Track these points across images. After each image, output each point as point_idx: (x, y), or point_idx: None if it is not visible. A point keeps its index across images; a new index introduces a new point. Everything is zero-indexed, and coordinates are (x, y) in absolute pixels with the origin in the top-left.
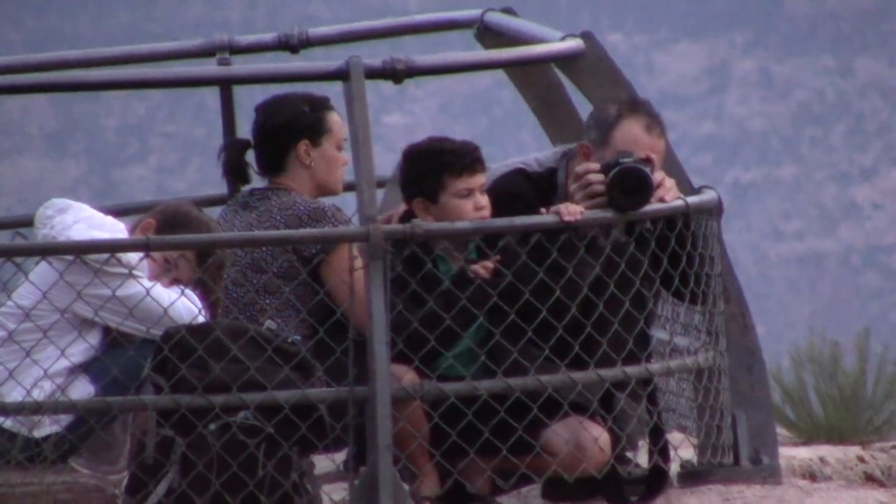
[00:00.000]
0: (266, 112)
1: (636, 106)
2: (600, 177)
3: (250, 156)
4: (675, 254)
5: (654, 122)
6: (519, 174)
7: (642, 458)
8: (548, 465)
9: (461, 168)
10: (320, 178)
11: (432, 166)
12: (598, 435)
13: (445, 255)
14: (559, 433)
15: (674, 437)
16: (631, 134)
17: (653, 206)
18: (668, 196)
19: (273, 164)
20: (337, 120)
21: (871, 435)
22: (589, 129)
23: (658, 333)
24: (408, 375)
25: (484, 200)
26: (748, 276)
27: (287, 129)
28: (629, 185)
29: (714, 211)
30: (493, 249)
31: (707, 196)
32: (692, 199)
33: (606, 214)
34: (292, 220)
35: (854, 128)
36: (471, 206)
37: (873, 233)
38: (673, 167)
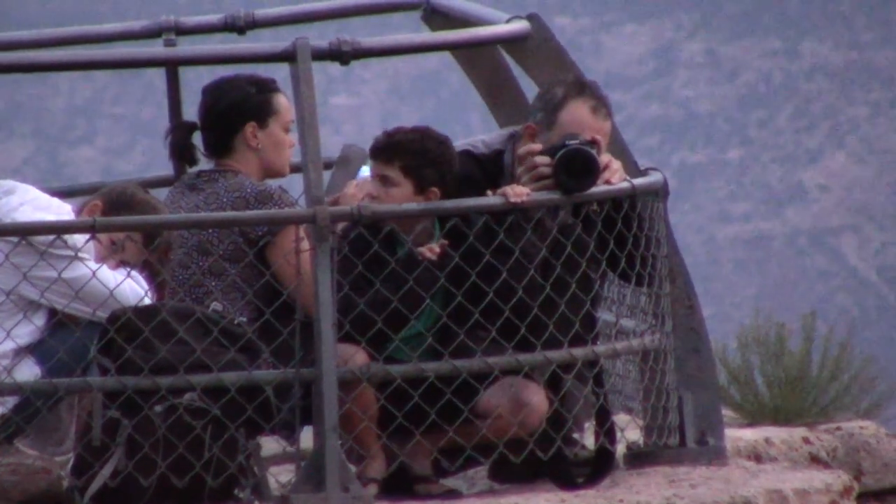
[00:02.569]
0: (212, 94)
1: (582, 88)
2: (546, 159)
3: (197, 138)
4: (621, 236)
5: (600, 103)
6: (466, 156)
7: (588, 439)
8: (496, 429)
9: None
10: (267, 160)
11: (379, 153)
12: (533, 393)
13: (401, 238)
14: (493, 395)
15: (620, 418)
16: (577, 116)
17: (599, 188)
18: (615, 178)
19: (220, 146)
20: (284, 102)
21: (817, 416)
22: (535, 110)
23: (604, 315)
24: (358, 356)
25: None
26: (695, 257)
27: (233, 111)
28: (575, 167)
29: (660, 193)
30: (446, 232)
31: (653, 178)
32: (638, 181)
33: (553, 196)
34: (239, 201)
35: (800, 110)
36: (368, 191)
37: (819, 215)
38: (619, 149)
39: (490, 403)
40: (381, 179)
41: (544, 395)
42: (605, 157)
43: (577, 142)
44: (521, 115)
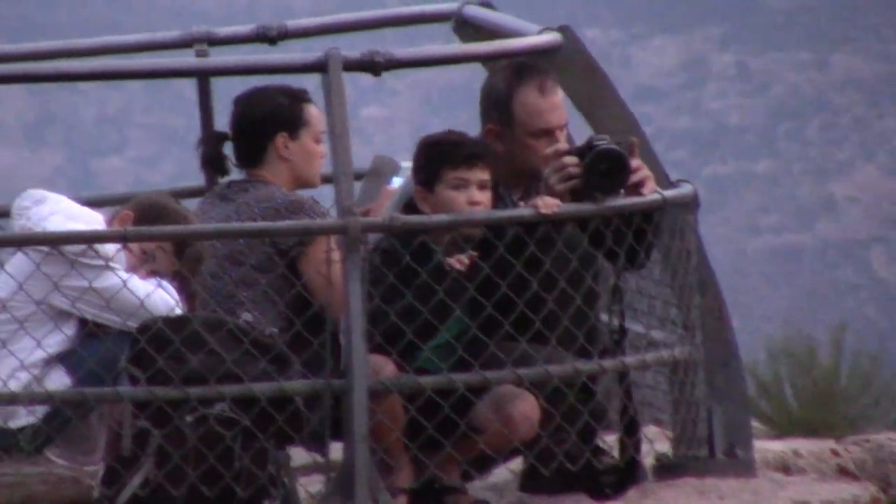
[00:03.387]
0: (244, 104)
1: (521, 73)
2: (574, 159)
3: (228, 148)
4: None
5: (544, 80)
6: None
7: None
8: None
9: (455, 158)
10: (298, 171)
11: (431, 156)
12: (518, 405)
13: (435, 245)
14: (481, 409)
15: (649, 430)
16: (529, 103)
17: (629, 200)
18: (647, 189)
19: (251, 156)
20: (315, 112)
21: (846, 429)
22: (487, 110)
23: (634, 327)
24: (388, 367)
25: (481, 196)
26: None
27: (265, 122)
28: (606, 166)
29: (691, 205)
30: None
31: (683, 190)
32: (669, 193)
33: (584, 207)
34: (270, 212)
35: (830, 122)
36: (464, 200)
37: (849, 227)
38: (650, 161)
39: (479, 418)
40: (484, 185)
41: (532, 404)
42: (635, 162)
43: (605, 142)
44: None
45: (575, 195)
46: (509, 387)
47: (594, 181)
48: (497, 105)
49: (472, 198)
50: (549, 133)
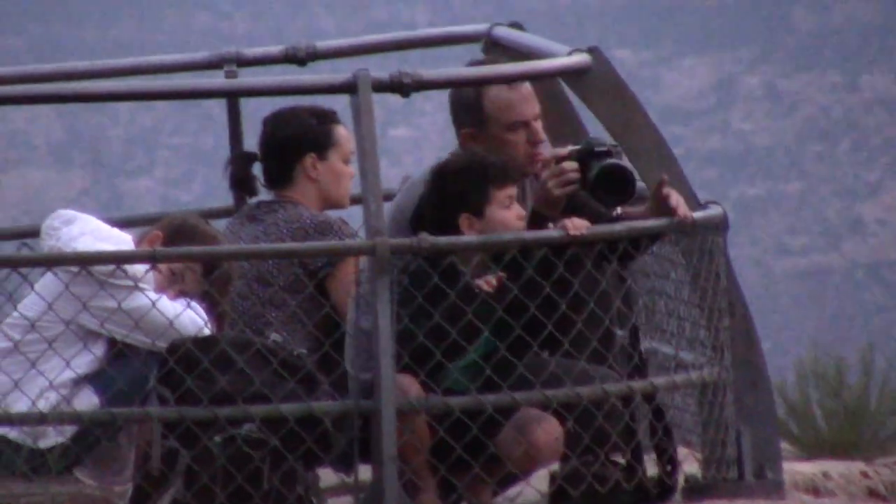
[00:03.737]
0: (273, 125)
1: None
2: (573, 164)
3: (257, 168)
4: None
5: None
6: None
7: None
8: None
9: (504, 177)
10: (327, 192)
11: (480, 179)
12: (540, 429)
13: (464, 266)
14: (506, 432)
15: (678, 451)
16: (499, 98)
17: (660, 221)
18: (681, 210)
19: (280, 176)
20: (344, 133)
21: (875, 450)
22: (459, 116)
23: (663, 348)
24: (413, 388)
25: (522, 210)
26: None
27: (294, 142)
28: (614, 185)
29: (720, 226)
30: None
31: (713, 211)
32: (698, 215)
33: (612, 229)
34: (298, 233)
35: (859, 143)
36: (514, 216)
37: (878, 248)
38: (679, 182)
39: (503, 441)
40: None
41: (555, 427)
42: (666, 190)
43: (602, 147)
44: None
45: (569, 200)
46: (532, 410)
47: (601, 196)
48: (468, 108)
49: (519, 213)
50: (525, 125)
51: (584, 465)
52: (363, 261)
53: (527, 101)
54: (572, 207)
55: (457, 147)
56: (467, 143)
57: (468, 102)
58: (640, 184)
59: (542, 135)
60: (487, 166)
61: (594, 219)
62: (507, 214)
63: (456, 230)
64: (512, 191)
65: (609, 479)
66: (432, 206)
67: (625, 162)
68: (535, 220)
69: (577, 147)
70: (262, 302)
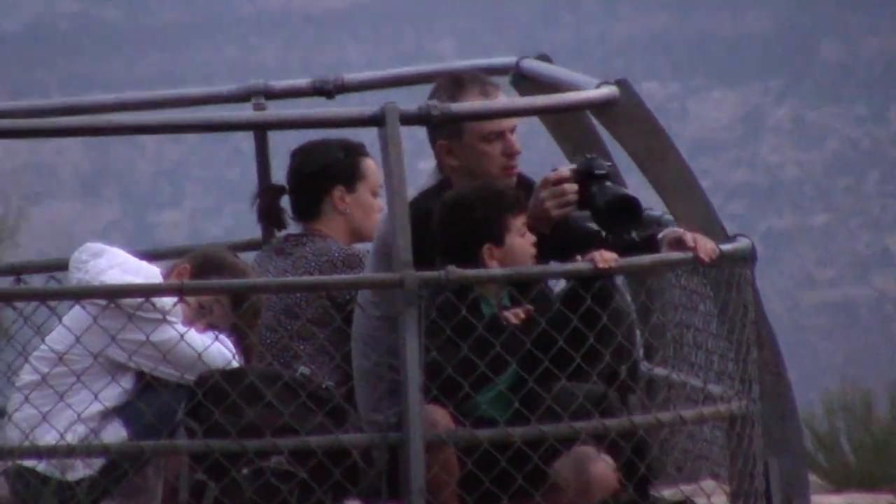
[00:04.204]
0: (301, 157)
1: (460, 83)
2: (575, 186)
3: (285, 201)
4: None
5: (485, 84)
6: (426, 202)
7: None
8: (560, 497)
9: (519, 205)
10: (355, 224)
11: (497, 209)
12: (598, 467)
13: (487, 296)
14: (562, 467)
15: (707, 484)
16: None
17: (686, 254)
18: (700, 252)
19: (308, 209)
20: (372, 166)
21: None
22: (434, 129)
23: (692, 381)
24: (443, 420)
25: (533, 237)
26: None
27: (322, 175)
28: (623, 215)
29: (748, 259)
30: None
31: (741, 244)
32: (726, 247)
33: (641, 261)
34: (326, 266)
35: (888, 175)
36: (530, 243)
37: None
38: (707, 214)
39: (559, 472)
40: None
41: (610, 466)
42: (688, 237)
43: (601, 169)
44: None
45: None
46: (589, 449)
47: (609, 225)
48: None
49: (532, 240)
50: (500, 135)
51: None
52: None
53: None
54: (562, 226)
55: (434, 164)
56: (443, 156)
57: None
58: (653, 212)
59: (518, 146)
60: (502, 195)
61: (584, 239)
62: (524, 242)
63: (476, 261)
64: (524, 218)
65: None
66: (450, 238)
67: (623, 188)
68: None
69: (574, 167)
70: (290, 335)
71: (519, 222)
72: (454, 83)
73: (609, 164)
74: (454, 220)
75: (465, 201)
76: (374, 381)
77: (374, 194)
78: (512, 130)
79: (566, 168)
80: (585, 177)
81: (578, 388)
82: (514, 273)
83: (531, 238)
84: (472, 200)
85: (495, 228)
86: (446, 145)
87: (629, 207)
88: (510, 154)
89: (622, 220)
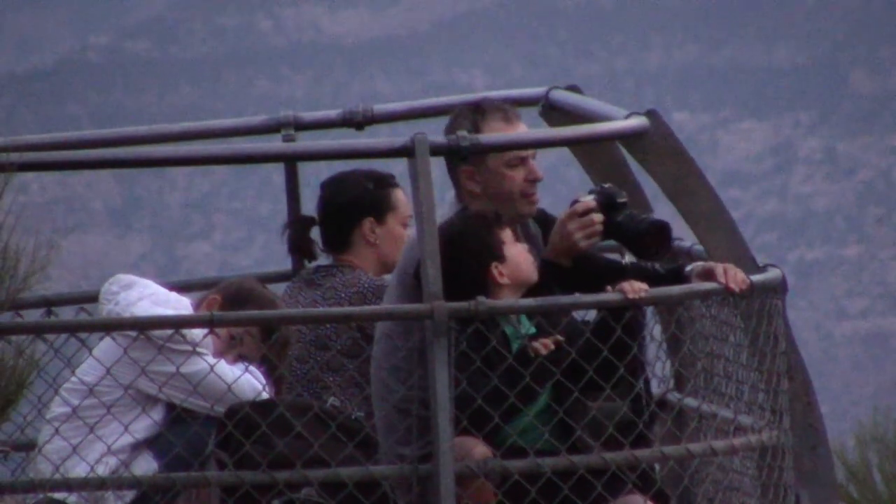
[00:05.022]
0: (331, 189)
1: (482, 111)
2: (600, 216)
3: (315, 233)
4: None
5: (506, 111)
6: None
7: None
8: None
9: (499, 218)
10: (385, 256)
11: (486, 227)
12: None
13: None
14: None
15: None
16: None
17: (716, 283)
18: (734, 285)
19: (338, 241)
20: (401, 197)
21: None
22: (455, 153)
23: (722, 412)
24: (477, 450)
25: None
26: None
27: (352, 207)
28: (658, 240)
29: (779, 289)
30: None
31: (772, 274)
32: (757, 278)
33: (671, 292)
34: (356, 297)
35: None
36: (524, 249)
37: None
38: (738, 245)
39: None
40: None
41: None
42: (719, 269)
43: (624, 199)
44: (640, 210)
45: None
46: (637, 499)
47: (644, 252)
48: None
49: (524, 246)
50: (523, 161)
51: None
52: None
53: None
54: (584, 258)
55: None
56: (464, 181)
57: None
58: (683, 243)
59: (540, 173)
60: (483, 216)
61: (606, 270)
62: (521, 249)
63: (486, 285)
64: (508, 230)
65: None
66: (456, 274)
67: (660, 221)
68: (548, 268)
69: (594, 197)
70: (319, 366)
71: (507, 234)
72: (475, 111)
73: (624, 193)
74: (454, 257)
75: (456, 235)
76: (400, 415)
77: (404, 225)
78: (533, 156)
79: (590, 198)
80: (608, 207)
81: (609, 414)
82: (545, 304)
83: (523, 245)
84: (462, 231)
85: (493, 246)
86: (470, 171)
87: (664, 232)
88: (532, 180)
89: (656, 246)
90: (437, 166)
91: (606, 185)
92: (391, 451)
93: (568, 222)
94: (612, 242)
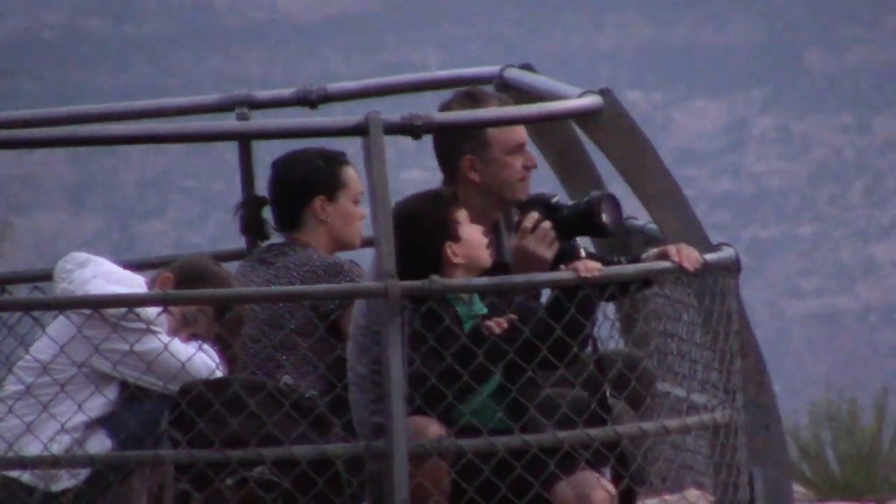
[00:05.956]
0: (281, 168)
1: (478, 98)
2: (549, 223)
3: (268, 212)
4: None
5: (501, 99)
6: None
7: None
8: None
9: (455, 198)
10: (337, 233)
11: (443, 207)
12: (605, 490)
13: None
14: (564, 488)
15: (691, 493)
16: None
17: (671, 263)
18: (688, 264)
19: (289, 219)
20: (352, 174)
21: (888, 492)
22: (457, 146)
23: (676, 390)
24: (431, 428)
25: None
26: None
27: (302, 185)
28: (609, 209)
29: (732, 268)
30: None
31: (725, 253)
32: (710, 257)
33: (625, 270)
34: (309, 275)
35: (872, 185)
36: (478, 230)
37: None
38: (691, 224)
39: (560, 495)
40: None
41: (610, 493)
42: (672, 249)
43: (556, 198)
44: (593, 189)
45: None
46: (591, 475)
47: (600, 229)
48: (470, 135)
49: (478, 228)
50: (521, 147)
51: None
52: (362, 303)
53: (523, 125)
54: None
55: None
56: (466, 170)
57: (469, 130)
58: (636, 221)
59: (535, 160)
60: (440, 194)
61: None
62: (475, 230)
63: (439, 263)
64: (464, 211)
65: None
66: (410, 251)
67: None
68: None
69: (530, 210)
70: (273, 345)
71: (462, 214)
72: (469, 98)
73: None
74: (408, 234)
75: (411, 211)
76: (369, 386)
77: (356, 203)
78: (527, 143)
79: (532, 214)
80: (549, 210)
81: (562, 395)
82: (499, 283)
83: (478, 226)
84: (416, 209)
85: (447, 226)
86: (473, 160)
87: (609, 200)
88: (528, 167)
89: (609, 216)
90: (391, 145)
91: (532, 195)
92: (362, 420)
93: (526, 243)
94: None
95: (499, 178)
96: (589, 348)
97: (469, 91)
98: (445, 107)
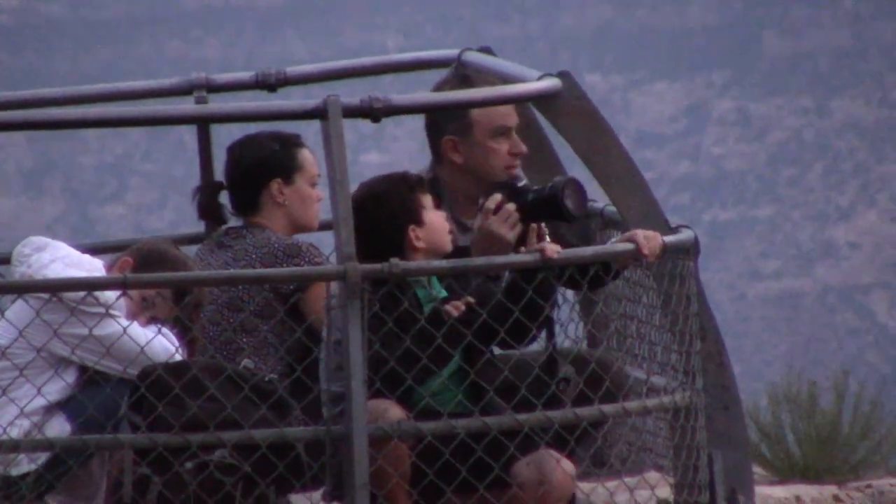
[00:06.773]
0: (237, 152)
1: (468, 81)
2: (513, 205)
3: (225, 197)
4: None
5: (493, 83)
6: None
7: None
8: (519, 500)
9: (422, 182)
10: (295, 216)
11: (410, 190)
12: (564, 468)
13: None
14: (523, 466)
15: (651, 475)
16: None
17: (628, 246)
18: (647, 250)
19: (246, 203)
20: (308, 156)
21: (848, 474)
22: (441, 126)
23: (635, 372)
24: (391, 411)
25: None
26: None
27: (258, 168)
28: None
29: (691, 250)
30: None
31: (684, 235)
32: (669, 239)
33: (584, 252)
34: (268, 257)
35: (831, 168)
36: (442, 217)
37: (850, 272)
38: (650, 207)
39: (519, 475)
40: None
41: (571, 469)
42: (640, 235)
43: (523, 183)
44: (553, 172)
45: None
46: (549, 453)
47: (565, 213)
48: (453, 116)
49: (441, 214)
50: (506, 132)
51: None
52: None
53: (510, 109)
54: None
55: (431, 162)
56: (448, 152)
57: (450, 111)
58: (596, 204)
59: (523, 147)
60: (407, 177)
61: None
62: (439, 216)
63: (401, 246)
64: (429, 196)
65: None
66: (372, 232)
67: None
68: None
69: (497, 189)
70: (233, 328)
71: (427, 200)
72: (462, 82)
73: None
74: (373, 214)
75: (378, 192)
76: (331, 353)
77: (312, 184)
78: (515, 129)
79: (496, 196)
80: (513, 194)
81: (506, 360)
82: (456, 266)
83: (441, 212)
84: (383, 190)
85: (413, 209)
86: (454, 141)
87: (572, 185)
88: (515, 153)
89: (573, 200)
90: (351, 128)
91: (498, 181)
92: (324, 389)
93: (488, 224)
94: None
95: (482, 162)
96: (545, 331)
97: (463, 74)
98: (438, 87)
